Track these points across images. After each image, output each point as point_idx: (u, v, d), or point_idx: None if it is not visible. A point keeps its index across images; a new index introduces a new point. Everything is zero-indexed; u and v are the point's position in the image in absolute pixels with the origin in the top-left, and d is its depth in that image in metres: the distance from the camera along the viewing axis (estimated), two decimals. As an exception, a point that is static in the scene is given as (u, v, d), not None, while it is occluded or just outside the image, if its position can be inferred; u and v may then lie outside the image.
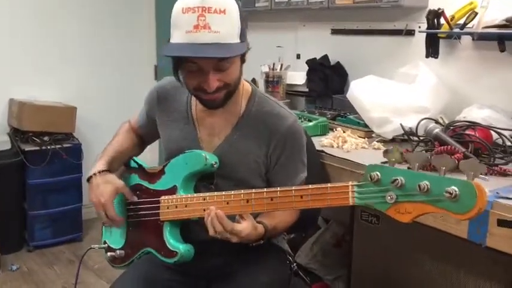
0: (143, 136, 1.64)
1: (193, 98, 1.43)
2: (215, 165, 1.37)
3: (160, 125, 1.53)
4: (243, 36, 1.27)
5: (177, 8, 1.23)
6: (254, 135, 1.40)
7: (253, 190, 1.25)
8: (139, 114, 1.62)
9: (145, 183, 1.49)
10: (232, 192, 1.27)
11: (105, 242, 1.59)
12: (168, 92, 1.50)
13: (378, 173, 1.04)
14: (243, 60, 1.34)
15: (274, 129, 1.38)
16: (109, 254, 1.54)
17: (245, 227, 1.24)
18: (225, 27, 1.21)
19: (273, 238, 1.50)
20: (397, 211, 1.02)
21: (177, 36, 1.23)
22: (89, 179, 1.48)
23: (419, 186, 0.97)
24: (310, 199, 1.16)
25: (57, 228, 3.26)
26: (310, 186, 1.16)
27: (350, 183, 1.09)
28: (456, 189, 0.93)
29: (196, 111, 1.46)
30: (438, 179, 0.97)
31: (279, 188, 1.21)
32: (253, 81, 2.89)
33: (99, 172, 1.46)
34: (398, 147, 1.10)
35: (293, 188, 1.19)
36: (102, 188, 1.43)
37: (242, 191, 1.25)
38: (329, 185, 1.13)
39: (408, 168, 1.07)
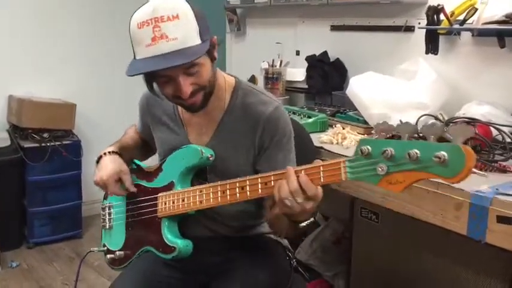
0: (147, 141, 1.64)
1: None
2: (211, 158, 1.38)
3: (153, 129, 1.54)
4: (204, 34, 1.23)
5: (132, 24, 1.23)
6: (240, 128, 1.39)
7: (248, 177, 1.25)
8: (138, 121, 1.63)
9: (143, 183, 1.50)
10: (228, 181, 1.27)
11: (104, 245, 1.59)
12: (155, 98, 1.48)
13: (368, 146, 1.04)
14: (212, 58, 1.31)
15: (258, 117, 1.37)
16: (108, 256, 1.54)
17: (321, 191, 1.16)
18: (182, 32, 1.20)
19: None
20: (388, 182, 1.02)
21: (139, 52, 1.23)
22: (98, 160, 1.50)
23: (408, 154, 0.98)
24: None
25: (57, 225, 3.26)
26: (302, 166, 1.16)
27: (342, 159, 1.09)
28: (444, 153, 0.94)
29: (182, 112, 1.46)
30: (426, 146, 0.97)
31: (272, 173, 1.21)
32: (253, 77, 2.89)
33: (109, 152, 1.49)
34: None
35: (285, 170, 1.19)
36: (109, 167, 1.45)
37: (238, 179, 1.26)
38: (321, 162, 1.14)
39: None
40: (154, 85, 1.35)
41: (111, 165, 1.46)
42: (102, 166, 1.47)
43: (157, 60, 1.19)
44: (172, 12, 1.19)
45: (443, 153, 0.94)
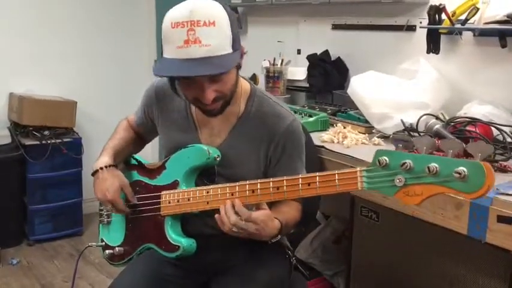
0: (142, 134, 1.63)
1: None
2: (218, 159, 1.37)
3: (159, 125, 1.52)
4: (235, 43, 1.23)
5: (166, 22, 1.21)
6: (254, 136, 1.39)
7: (259, 180, 1.24)
8: (136, 112, 1.61)
9: (145, 179, 1.49)
10: (237, 183, 1.26)
11: (102, 240, 1.58)
12: (165, 92, 1.48)
13: (386, 158, 1.05)
14: (238, 67, 1.31)
15: (273, 130, 1.38)
16: (107, 251, 1.53)
17: (261, 213, 1.22)
18: (216, 39, 1.18)
19: (284, 235, 1.48)
20: (405, 194, 1.03)
21: (169, 52, 1.21)
22: (94, 173, 1.48)
23: (428, 168, 0.99)
24: (318, 186, 1.16)
25: (58, 222, 3.27)
26: (317, 173, 1.16)
27: (358, 168, 1.10)
28: (465, 169, 0.95)
29: (196, 112, 1.45)
30: (447, 161, 0.98)
31: (285, 177, 1.21)
32: (254, 76, 2.89)
33: (106, 167, 1.47)
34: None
35: (300, 176, 1.19)
36: (108, 183, 1.44)
37: (247, 182, 1.25)
38: (336, 171, 1.13)
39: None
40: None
41: (111, 181, 1.44)
42: (102, 182, 1.45)
43: (187, 64, 1.17)
44: (210, 18, 1.18)
45: (463, 169, 0.95)
